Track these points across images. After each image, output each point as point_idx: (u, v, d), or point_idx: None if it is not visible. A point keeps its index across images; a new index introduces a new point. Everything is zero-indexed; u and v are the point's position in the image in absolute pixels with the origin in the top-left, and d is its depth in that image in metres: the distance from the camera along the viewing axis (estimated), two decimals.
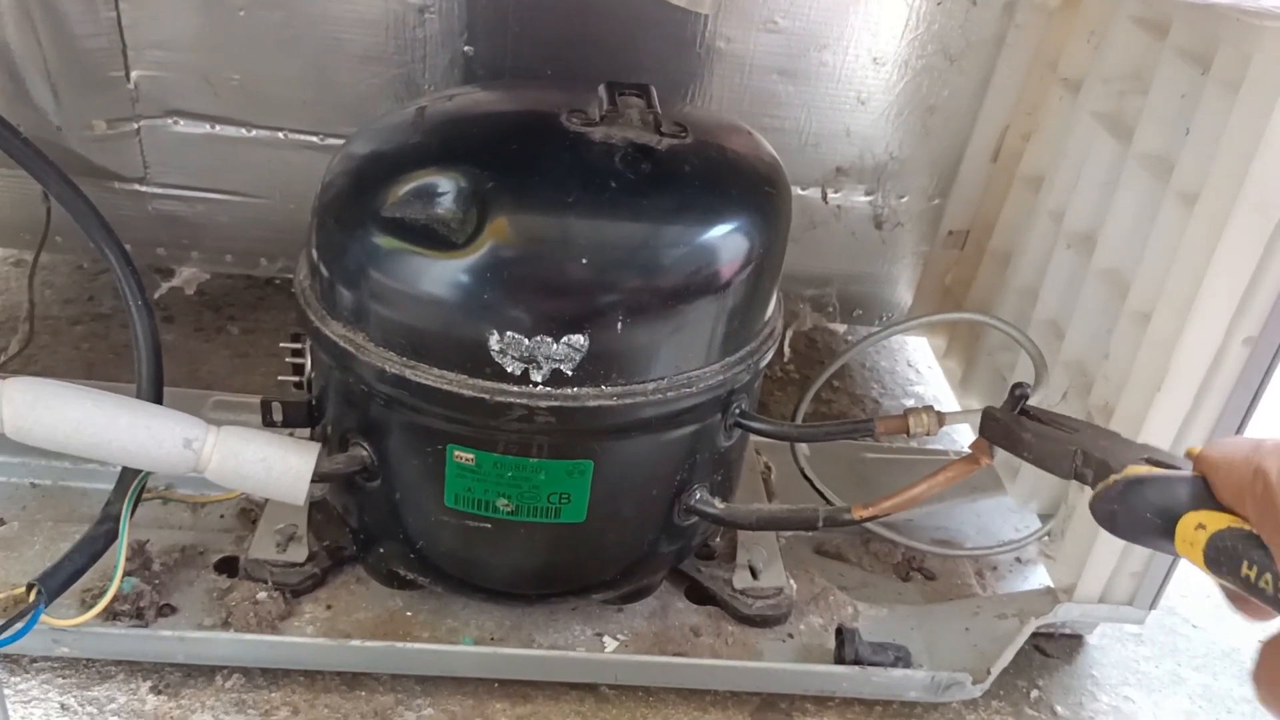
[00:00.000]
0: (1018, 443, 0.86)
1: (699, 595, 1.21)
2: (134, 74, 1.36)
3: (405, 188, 0.92)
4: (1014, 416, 0.89)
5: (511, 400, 0.92)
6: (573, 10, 1.32)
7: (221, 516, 1.23)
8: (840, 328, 1.71)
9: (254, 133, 1.41)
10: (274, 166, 1.43)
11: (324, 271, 0.98)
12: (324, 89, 1.37)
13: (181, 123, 1.40)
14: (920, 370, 1.80)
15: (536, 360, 0.91)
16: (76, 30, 1.32)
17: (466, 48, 1.34)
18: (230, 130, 1.41)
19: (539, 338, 0.90)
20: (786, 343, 1.56)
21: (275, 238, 1.49)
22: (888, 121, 1.43)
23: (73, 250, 1.54)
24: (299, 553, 1.14)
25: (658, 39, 1.34)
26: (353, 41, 1.34)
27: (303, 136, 1.41)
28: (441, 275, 0.91)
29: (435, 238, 0.90)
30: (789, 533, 1.30)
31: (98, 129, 1.39)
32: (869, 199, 1.51)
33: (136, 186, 1.45)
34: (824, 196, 1.49)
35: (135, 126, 1.40)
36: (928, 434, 1.05)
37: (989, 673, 1.14)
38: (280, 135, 1.41)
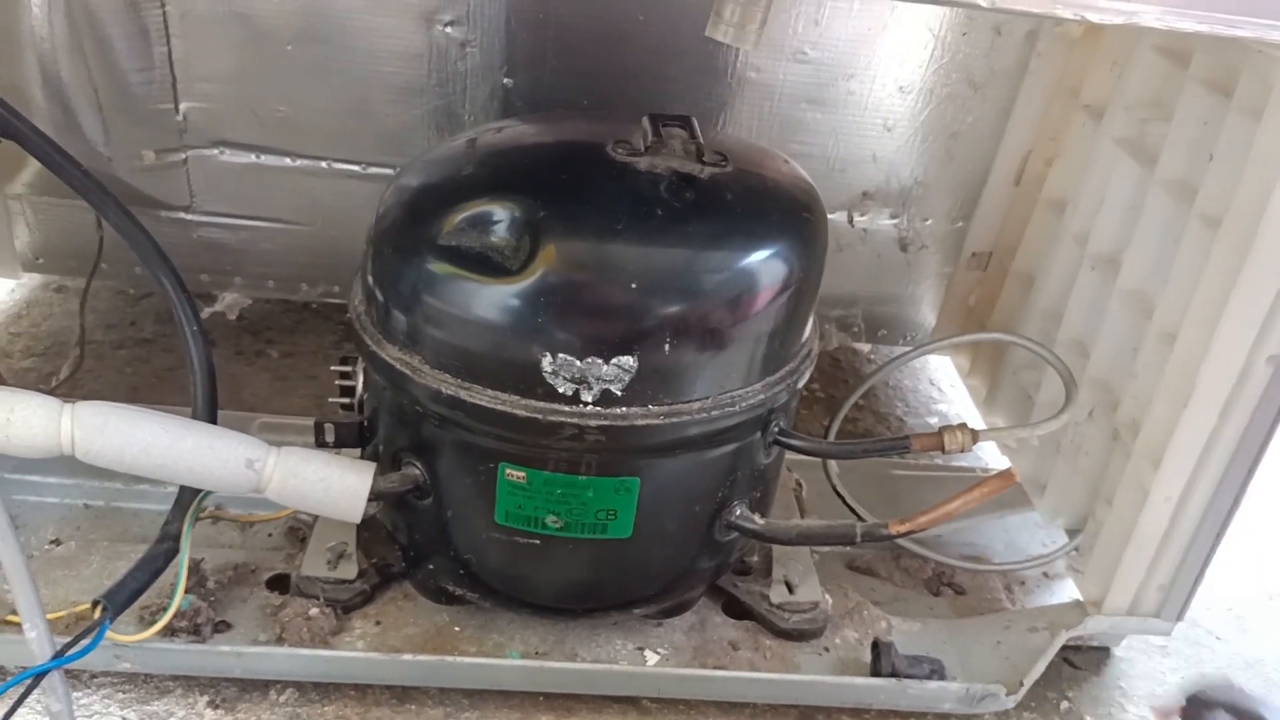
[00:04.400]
0: None
1: (736, 610, 1.24)
2: (183, 106, 1.41)
3: (460, 217, 0.96)
4: None
5: (563, 420, 0.96)
6: (608, 43, 1.36)
7: (270, 535, 1.27)
8: (865, 347, 1.74)
9: (298, 162, 1.45)
10: (316, 195, 1.48)
11: (380, 297, 1.02)
12: (367, 120, 1.42)
13: (227, 153, 1.45)
14: (943, 389, 1.83)
15: (587, 381, 0.94)
16: (127, 64, 1.37)
17: (506, 80, 1.38)
18: (274, 160, 1.45)
19: (590, 359, 0.94)
20: None
21: (316, 264, 1.54)
22: (913, 147, 1.48)
23: (116, 277, 1.58)
24: (349, 570, 1.17)
25: (690, 69, 1.39)
26: (395, 74, 1.38)
27: (345, 166, 1.46)
28: (496, 300, 0.94)
29: (490, 264, 0.94)
30: (823, 548, 1.32)
31: (146, 159, 1.44)
32: (894, 222, 1.55)
33: (182, 215, 1.50)
34: (850, 220, 1.53)
35: (183, 157, 1.45)
36: (962, 450, 1.08)
37: (1021, 684, 1.16)
38: (323, 165, 1.46)
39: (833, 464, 1.34)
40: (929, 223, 1.55)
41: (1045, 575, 1.39)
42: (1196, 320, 1.07)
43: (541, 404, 0.96)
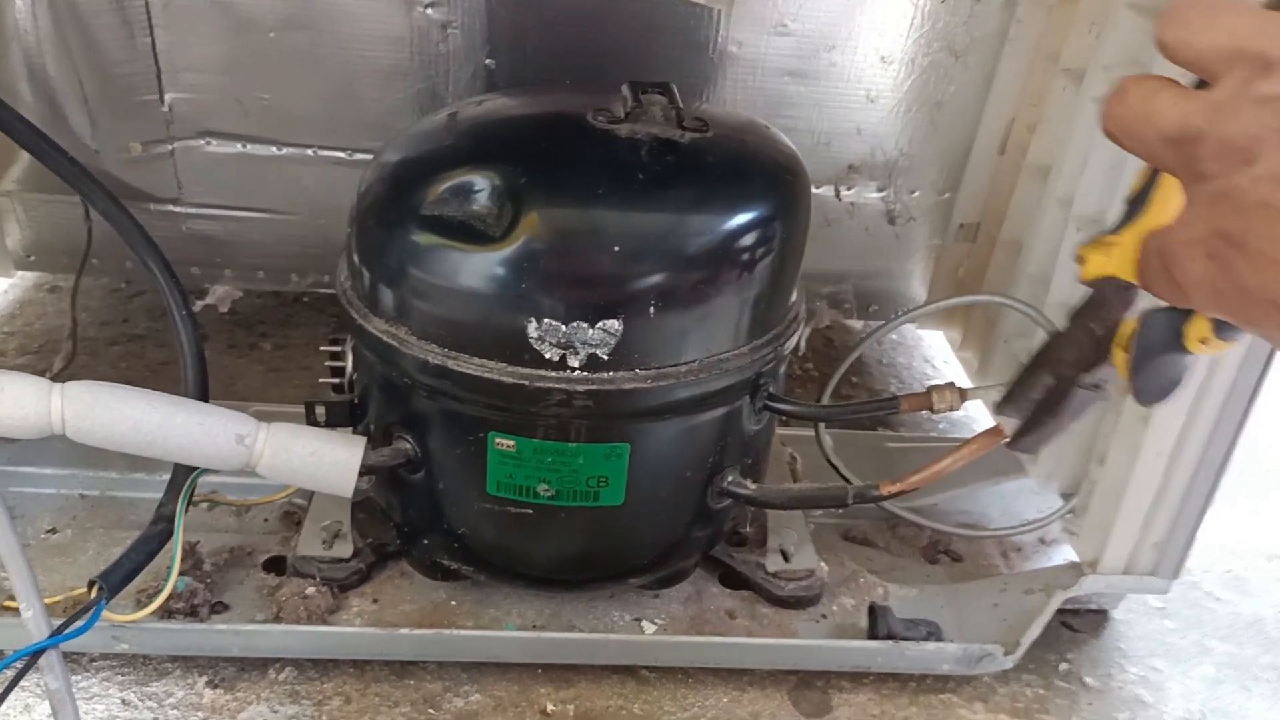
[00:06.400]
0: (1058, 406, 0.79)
1: (733, 580, 1.24)
2: (168, 97, 1.41)
3: (442, 187, 0.96)
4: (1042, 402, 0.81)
5: (550, 385, 0.96)
6: (589, 21, 1.37)
7: (266, 520, 1.27)
8: (858, 324, 1.74)
9: (284, 150, 1.46)
10: (304, 183, 1.48)
11: (365, 272, 1.02)
12: (351, 106, 1.42)
13: (214, 143, 1.46)
14: (937, 365, 1.84)
15: (573, 346, 0.95)
16: (112, 56, 1.38)
17: (488, 61, 1.39)
18: (261, 149, 1.46)
19: (575, 324, 0.94)
20: (804, 340, 1.60)
21: (306, 253, 1.54)
22: (897, 118, 1.48)
23: (109, 273, 1.59)
24: (345, 549, 1.17)
25: (672, 45, 1.39)
26: (378, 59, 1.39)
27: (331, 153, 1.46)
28: (480, 268, 0.95)
29: (473, 233, 0.94)
30: (817, 519, 1.33)
31: (134, 151, 1.44)
32: (881, 195, 1.55)
33: (171, 207, 1.51)
34: (837, 194, 1.54)
35: (169, 148, 1.45)
36: (950, 409, 1.08)
37: (1019, 644, 1.17)
38: (309, 152, 1.46)
39: (827, 437, 1.34)
40: (916, 195, 1.55)
41: (1042, 541, 1.39)
42: None
43: (528, 370, 0.96)
